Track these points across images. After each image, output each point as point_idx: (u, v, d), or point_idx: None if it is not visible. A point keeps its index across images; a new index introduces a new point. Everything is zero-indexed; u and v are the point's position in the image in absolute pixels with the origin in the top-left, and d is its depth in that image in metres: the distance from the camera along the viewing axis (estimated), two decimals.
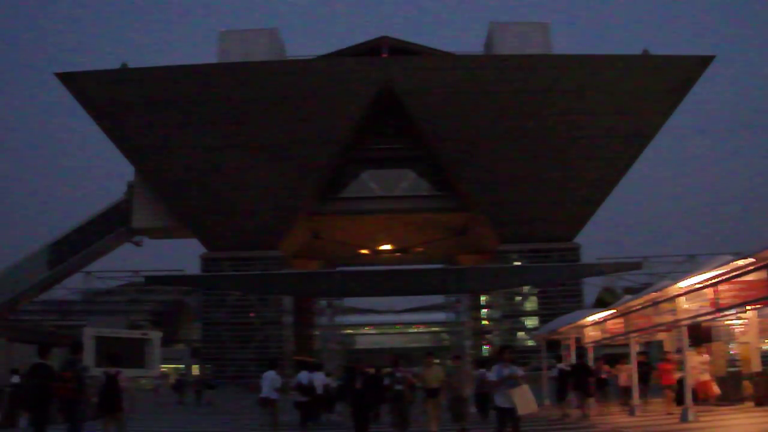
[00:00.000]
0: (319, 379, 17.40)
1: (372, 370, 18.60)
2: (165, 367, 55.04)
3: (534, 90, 47.05)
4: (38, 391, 9.87)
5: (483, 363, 18.63)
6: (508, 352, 10.54)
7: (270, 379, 15.23)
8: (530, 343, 49.54)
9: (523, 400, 9.89)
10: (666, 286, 14.50)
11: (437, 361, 18.48)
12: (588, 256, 53.53)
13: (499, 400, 10.09)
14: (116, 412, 11.31)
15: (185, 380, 34.47)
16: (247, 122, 47.76)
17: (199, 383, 33.71)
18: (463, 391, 14.16)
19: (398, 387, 14.37)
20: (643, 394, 18.61)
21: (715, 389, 17.12)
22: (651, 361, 20.48)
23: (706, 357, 17.46)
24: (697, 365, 16.32)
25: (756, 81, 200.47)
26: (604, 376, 19.17)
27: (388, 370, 15.70)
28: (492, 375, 10.20)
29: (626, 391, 18.52)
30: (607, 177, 49.50)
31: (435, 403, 13.82)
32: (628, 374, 18.28)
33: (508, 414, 9.94)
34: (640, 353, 19.16)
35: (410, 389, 14.75)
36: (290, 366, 54.03)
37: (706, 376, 16.64)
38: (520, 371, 10.20)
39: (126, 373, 11.65)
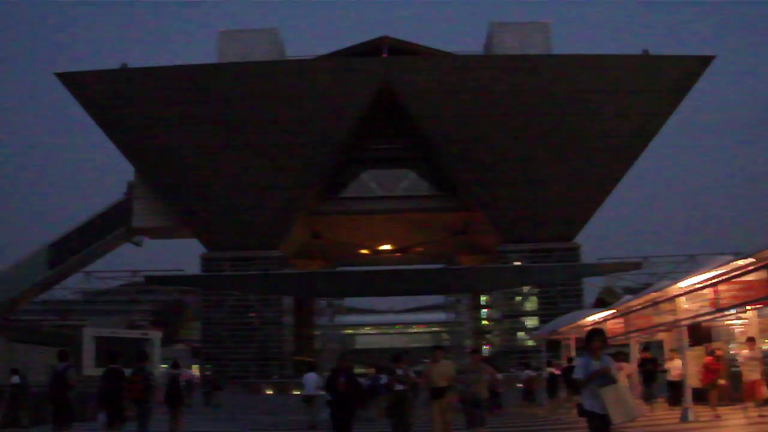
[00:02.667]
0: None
1: (372, 370, 19.17)
2: (165, 367, 55.03)
3: (534, 90, 47.04)
4: (112, 392, 11.77)
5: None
6: (598, 339, 7.87)
7: (312, 380, 17.57)
8: (530, 343, 49.55)
9: (618, 403, 7.44)
10: (666, 286, 14.51)
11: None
12: (588, 256, 53.57)
13: (588, 403, 7.62)
14: (178, 406, 13.48)
15: (192, 381, 34.31)
16: (247, 122, 47.74)
17: (207, 384, 33.53)
18: (481, 391, 12.24)
19: (399, 387, 12.56)
20: (649, 395, 18.09)
21: (765, 391, 14.76)
22: (657, 359, 20.03)
23: (757, 352, 15.00)
24: (746, 362, 14.50)
25: (756, 81, 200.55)
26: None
27: (389, 367, 14.10)
28: (577, 370, 7.87)
29: None
30: (607, 177, 49.49)
31: (442, 405, 11.99)
32: (627, 374, 18.01)
33: (601, 421, 7.52)
34: (644, 349, 18.69)
35: (413, 390, 13.18)
36: (290, 366, 54.14)
37: (756, 375, 14.40)
38: (613, 364, 7.82)
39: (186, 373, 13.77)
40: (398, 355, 13.16)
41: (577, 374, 7.81)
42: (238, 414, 24.33)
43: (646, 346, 20.33)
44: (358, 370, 22.93)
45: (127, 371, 12.51)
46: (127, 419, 12.15)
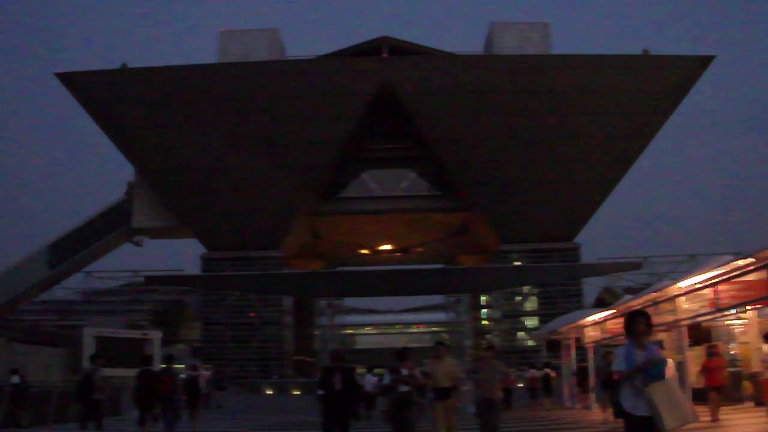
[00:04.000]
0: (368, 379, 20.47)
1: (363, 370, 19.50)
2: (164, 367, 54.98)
3: (534, 90, 47.05)
4: (146, 391, 12.69)
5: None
6: (643, 322, 6.29)
7: None
8: (530, 343, 49.58)
9: (670, 404, 5.87)
10: (666, 286, 14.47)
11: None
12: (588, 256, 53.61)
13: (630, 403, 6.07)
14: (197, 406, 14.38)
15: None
16: (247, 122, 47.77)
17: (207, 384, 33.39)
18: (494, 392, 11.19)
19: (403, 388, 11.20)
20: None
21: None
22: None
23: None
24: (766, 358, 13.50)
25: (756, 81, 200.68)
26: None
27: (392, 366, 12.38)
28: (617, 361, 6.25)
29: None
30: (607, 177, 49.51)
31: (446, 407, 10.90)
32: None
33: (645, 426, 5.91)
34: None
35: (419, 391, 11.72)
36: (290, 366, 54.18)
37: None
38: (661, 354, 6.25)
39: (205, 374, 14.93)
40: (403, 353, 11.69)
41: (618, 366, 6.20)
42: (241, 414, 24.34)
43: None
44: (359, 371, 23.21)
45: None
46: (157, 417, 13.09)
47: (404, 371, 11.28)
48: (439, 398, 10.97)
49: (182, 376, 15.52)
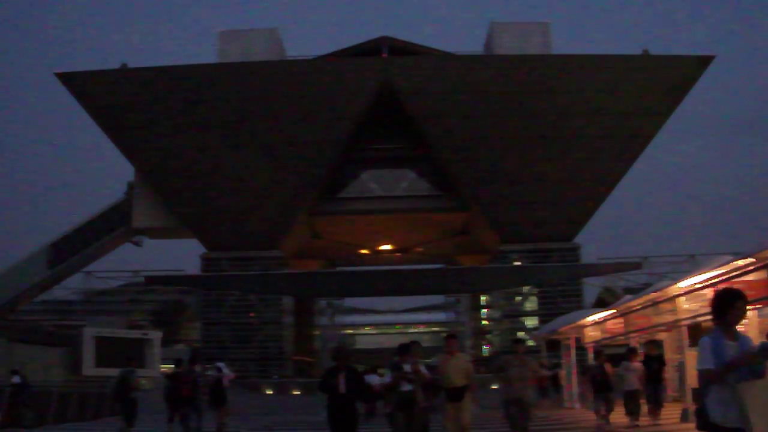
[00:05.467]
0: (375, 380, 20.43)
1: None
2: (165, 367, 55.05)
3: (534, 90, 47.04)
4: (172, 392, 13.79)
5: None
6: (742, 308, 4.85)
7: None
8: (530, 343, 49.54)
9: (765, 408, 4.48)
10: (666, 286, 14.51)
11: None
12: (588, 256, 53.60)
13: (720, 412, 4.61)
14: (222, 405, 14.52)
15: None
16: (247, 122, 47.76)
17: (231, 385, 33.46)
18: (525, 390, 10.16)
19: (406, 387, 9.81)
20: (655, 398, 15.08)
21: None
22: (662, 354, 18.62)
23: None
24: None
25: (756, 81, 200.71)
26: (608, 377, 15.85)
27: (393, 362, 10.81)
28: (704, 357, 4.70)
29: (633, 396, 15.10)
30: (607, 177, 49.50)
31: (459, 409, 9.68)
32: (638, 377, 15.28)
33: None
34: (649, 343, 17.31)
35: (425, 390, 10.12)
36: (290, 366, 54.16)
37: None
38: (754, 346, 4.94)
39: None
40: (405, 347, 10.21)
41: (705, 363, 4.69)
42: (241, 414, 24.33)
43: (651, 340, 19.75)
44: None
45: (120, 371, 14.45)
46: (180, 417, 13.70)
47: (406, 367, 10.00)
48: (451, 399, 9.72)
49: (208, 373, 15.88)
